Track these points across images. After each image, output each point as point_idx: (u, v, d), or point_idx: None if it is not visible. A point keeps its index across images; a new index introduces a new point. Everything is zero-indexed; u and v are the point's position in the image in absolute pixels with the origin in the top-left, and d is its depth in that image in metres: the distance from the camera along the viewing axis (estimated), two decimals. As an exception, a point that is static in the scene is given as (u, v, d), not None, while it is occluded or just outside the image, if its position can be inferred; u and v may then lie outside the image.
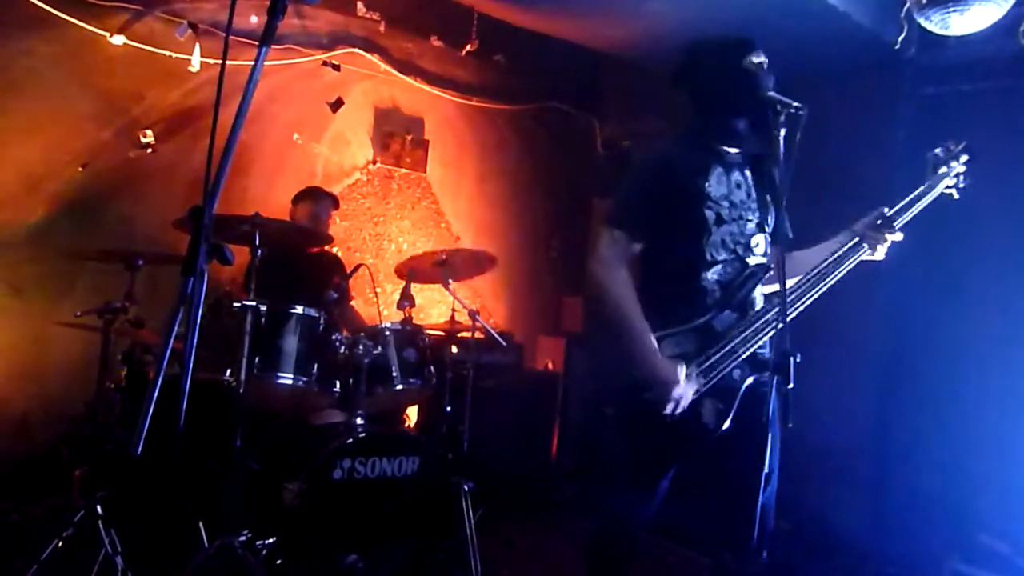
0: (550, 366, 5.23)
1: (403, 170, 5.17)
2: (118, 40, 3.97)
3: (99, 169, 4.03)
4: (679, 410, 2.09)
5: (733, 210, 2.25)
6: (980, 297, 3.74)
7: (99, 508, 2.67)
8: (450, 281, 3.64)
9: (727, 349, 2.15)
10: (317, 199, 3.99)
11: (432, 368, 3.38)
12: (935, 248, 3.68)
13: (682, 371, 2.08)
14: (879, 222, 2.29)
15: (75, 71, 3.92)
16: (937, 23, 2.99)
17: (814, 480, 3.94)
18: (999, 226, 3.67)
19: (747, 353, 2.15)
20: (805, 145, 1.94)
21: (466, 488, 3.36)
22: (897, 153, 4.00)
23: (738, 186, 2.28)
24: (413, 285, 3.60)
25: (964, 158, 2.42)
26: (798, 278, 2.23)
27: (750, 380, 2.16)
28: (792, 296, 2.16)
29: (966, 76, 3.93)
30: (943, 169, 2.40)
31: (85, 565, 2.63)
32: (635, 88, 5.61)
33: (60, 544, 2.62)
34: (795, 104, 1.97)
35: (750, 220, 2.28)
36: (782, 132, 1.94)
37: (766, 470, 1.84)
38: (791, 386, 1.77)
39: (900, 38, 3.49)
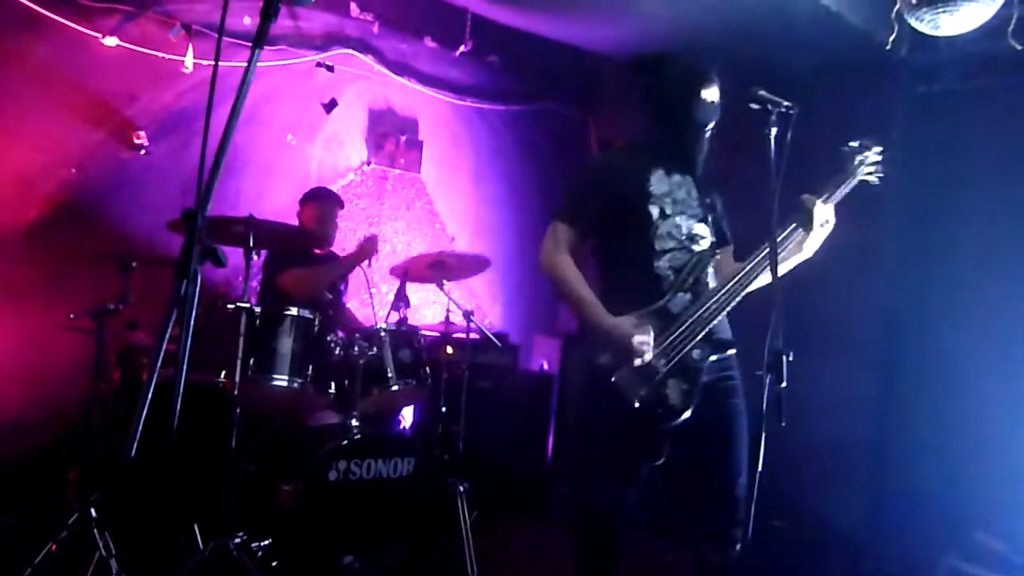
0: (545, 366, 5.23)
1: (397, 171, 5.17)
2: (111, 41, 3.96)
3: (92, 171, 4.02)
4: (646, 352, 2.17)
5: (676, 205, 2.39)
6: (975, 295, 3.75)
7: (93, 510, 2.67)
8: (445, 282, 3.64)
9: (683, 329, 2.26)
10: (322, 200, 3.98)
11: (427, 369, 3.38)
12: (930, 247, 3.70)
13: (633, 320, 2.21)
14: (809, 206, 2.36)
15: (68, 73, 3.91)
16: (927, 23, 3.00)
17: (811, 478, 3.95)
18: (991, 223, 3.69)
19: (703, 332, 2.26)
20: (796, 145, 1.95)
21: (461, 489, 3.36)
22: (889, 151, 4.01)
23: (679, 185, 2.42)
24: (408, 286, 3.61)
25: (878, 149, 2.55)
26: (737, 270, 2.31)
27: (710, 360, 2.27)
28: (736, 284, 2.28)
29: (957, 76, 3.95)
30: (859, 158, 2.51)
31: (80, 567, 2.63)
32: (630, 88, 5.61)
33: (54, 546, 2.62)
34: (786, 103, 2.00)
35: (693, 216, 2.42)
36: (773, 131, 1.96)
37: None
38: (783, 384, 1.79)
39: (891, 38, 3.50)
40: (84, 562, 2.63)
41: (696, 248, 2.38)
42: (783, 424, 1.79)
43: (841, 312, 3.85)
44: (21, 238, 3.83)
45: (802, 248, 2.35)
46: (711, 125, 2.38)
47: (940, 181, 3.85)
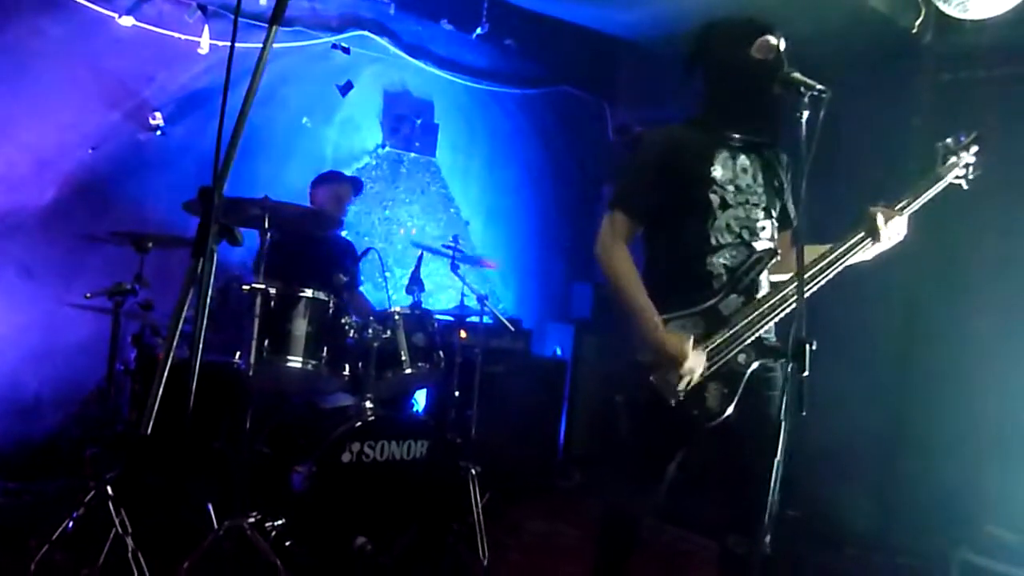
0: (559, 352, 5.22)
1: (412, 154, 5.15)
2: (127, 21, 3.96)
3: (109, 151, 4.03)
4: (692, 382, 2.08)
5: (739, 194, 2.24)
6: (997, 287, 3.70)
7: (109, 489, 2.69)
8: (459, 266, 3.63)
9: (732, 333, 2.14)
10: (339, 182, 3.97)
11: (441, 353, 3.38)
12: (949, 238, 3.65)
13: (688, 343, 2.07)
14: (886, 212, 2.26)
15: (84, 53, 3.91)
16: (956, 6, 2.94)
17: (825, 468, 3.93)
18: (1016, 213, 3.63)
19: (753, 338, 2.15)
20: (820, 130, 1.91)
21: (474, 472, 3.36)
22: (912, 139, 3.95)
23: (744, 171, 2.27)
24: (422, 270, 3.60)
25: (974, 148, 2.41)
26: (791, 273, 2.19)
27: (755, 365, 2.16)
28: (789, 291, 2.15)
29: (983, 62, 3.87)
30: (952, 159, 2.39)
31: (96, 545, 2.65)
32: (647, 73, 5.56)
33: (71, 524, 2.65)
34: (818, 86, 1.94)
35: (756, 205, 2.27)
36: (805, 114, 1.91)
37: (778, 457, 1.82)
38: (807, 374, 1.76)
39: (918, 22, 3.43)
40: (100, 540, 2.65)
41: (755, 244, 2.24)
42: (804, 414, 1.76)
43: (859, 302, 3.81)
44: (38, 218, 3.86)
45: (864, 255, 2.26)
46: (776, 83, 2.07)
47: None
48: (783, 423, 1.83)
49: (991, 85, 3.82)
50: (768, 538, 2.15)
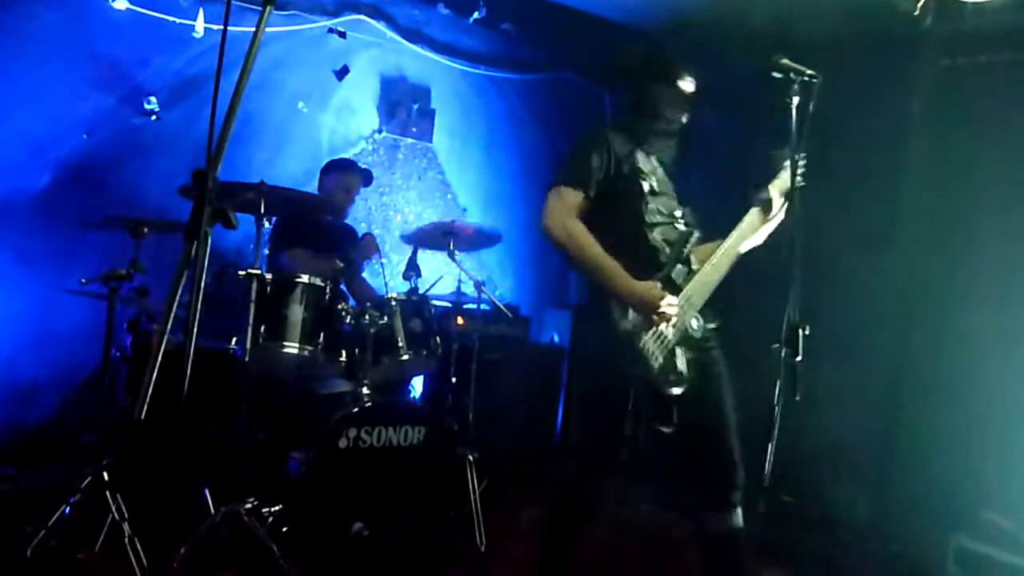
0: (556, 339, 5.22)
1: (409, 140, 5.13)
2: (121, 5, 3.92)
3: (104, 136, 4.01)
4: (675, 319, 2.23)
5: (659, 184, 2.49)
6: (997, 275, 3.68)
7: (106, 475, 2.68)
8: (456, 252, 3.62)
9: (687, 299, 2.33)
10: (348, 172, 3.93)
11: (438, 339, 3.37)
12: (950, 226, 3.64)
13: (659, 285, 2.25)
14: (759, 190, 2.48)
15: (79, 37, 3.88)
16: (957, -11, 2.90)
17: (820, 454, 3.94)
18: (1015, 202, 3.61)
19: (701, 303, 2.36)
20: (817, 116, 1.92)
21: (471, 459, 3.36)
22: (911, 125, 3.94)
23: (655, 170, 2.52)
24: (419, 256, 3.59)
25: (802, 154, 2.45)
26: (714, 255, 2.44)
27: (708, 327, 2.37)
28: (724, 256, 2.42)
29: (983, 47, 3.84)
30: (787, 163, 2.46)
31: (92, 531, 2.65)
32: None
33: (67, 510, 2.64)
34: (809, 72, 1.96)
35: (671, 197, 2.53)
36: (795, 100, 1.93)
37: (772, 443, 1.86)
38: (799, 358, 1.78)
39: (919, 4, 3.40)
40: (97, 526, 2.65)
41: (678, 226, 2.47)
42: (797, 398, 1.77)
43: (855, 298, 3.80)
44: (33, 203, 3.84)
45: (755, 233, 2.46)
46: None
47: (962, 157, 3.78)
48: (777, 408, 1.85)
49: (991, 71, 3.80)
50: (740, 511, 2.28)
